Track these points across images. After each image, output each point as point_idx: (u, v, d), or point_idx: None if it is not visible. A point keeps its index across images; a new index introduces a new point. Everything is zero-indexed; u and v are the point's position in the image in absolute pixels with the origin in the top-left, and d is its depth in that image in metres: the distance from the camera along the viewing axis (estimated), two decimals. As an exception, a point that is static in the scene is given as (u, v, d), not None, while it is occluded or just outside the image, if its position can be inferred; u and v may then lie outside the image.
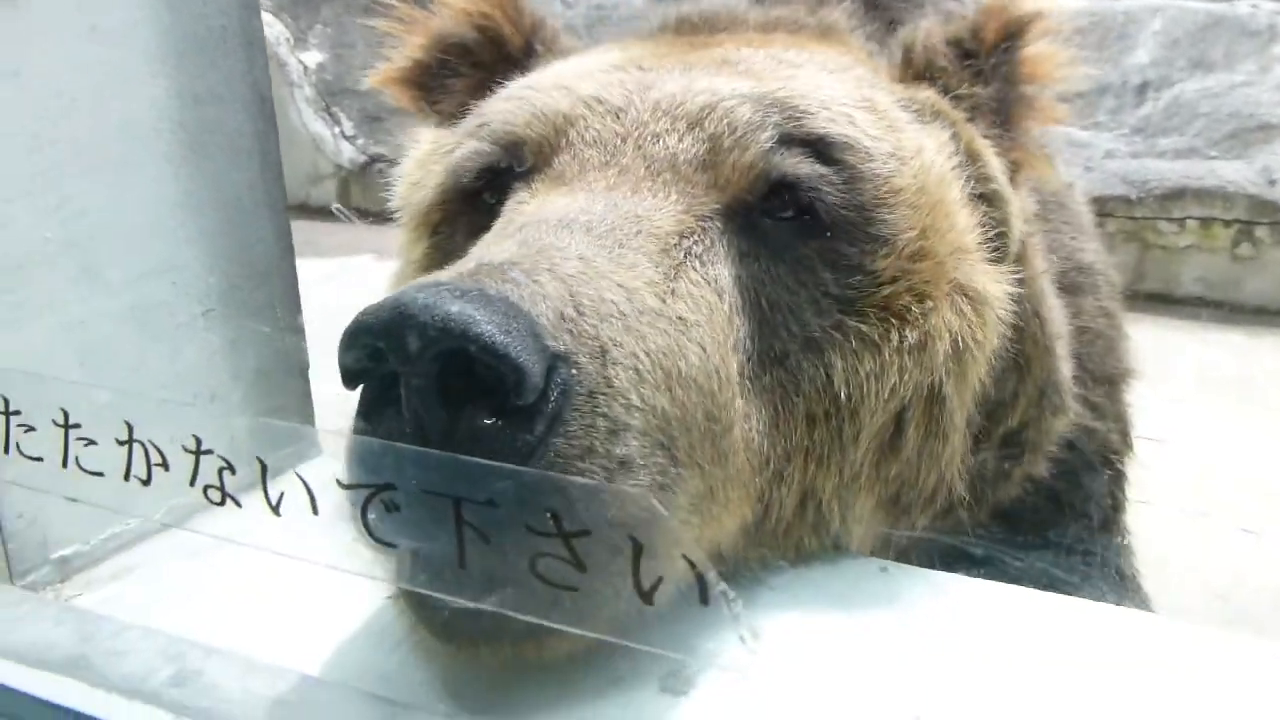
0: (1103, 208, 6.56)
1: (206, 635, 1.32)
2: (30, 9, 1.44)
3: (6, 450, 1.07)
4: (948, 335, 1.60)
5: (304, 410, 2.05)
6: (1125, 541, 2.57)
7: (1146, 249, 7.29)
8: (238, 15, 1.76)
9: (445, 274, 1.21)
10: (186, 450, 0.99)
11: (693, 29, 2.09)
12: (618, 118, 1.60)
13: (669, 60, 1.79)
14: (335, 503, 1.12)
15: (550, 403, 1.10)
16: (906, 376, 1.56)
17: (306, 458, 1.99)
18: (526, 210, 1.47)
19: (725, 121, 1.55)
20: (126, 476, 0.99)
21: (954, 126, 1.83)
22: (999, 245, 1.77)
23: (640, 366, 1.22)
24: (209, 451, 0.99)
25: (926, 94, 1.87)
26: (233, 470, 0.98)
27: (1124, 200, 7.10)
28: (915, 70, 1.95)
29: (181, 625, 1.34)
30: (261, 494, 0.95)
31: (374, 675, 1.25)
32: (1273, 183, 7.00)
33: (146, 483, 0.99)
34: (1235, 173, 7.11)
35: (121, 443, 1.01)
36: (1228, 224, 7.14)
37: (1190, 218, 7.21)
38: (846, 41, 2.10)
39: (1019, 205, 1.92)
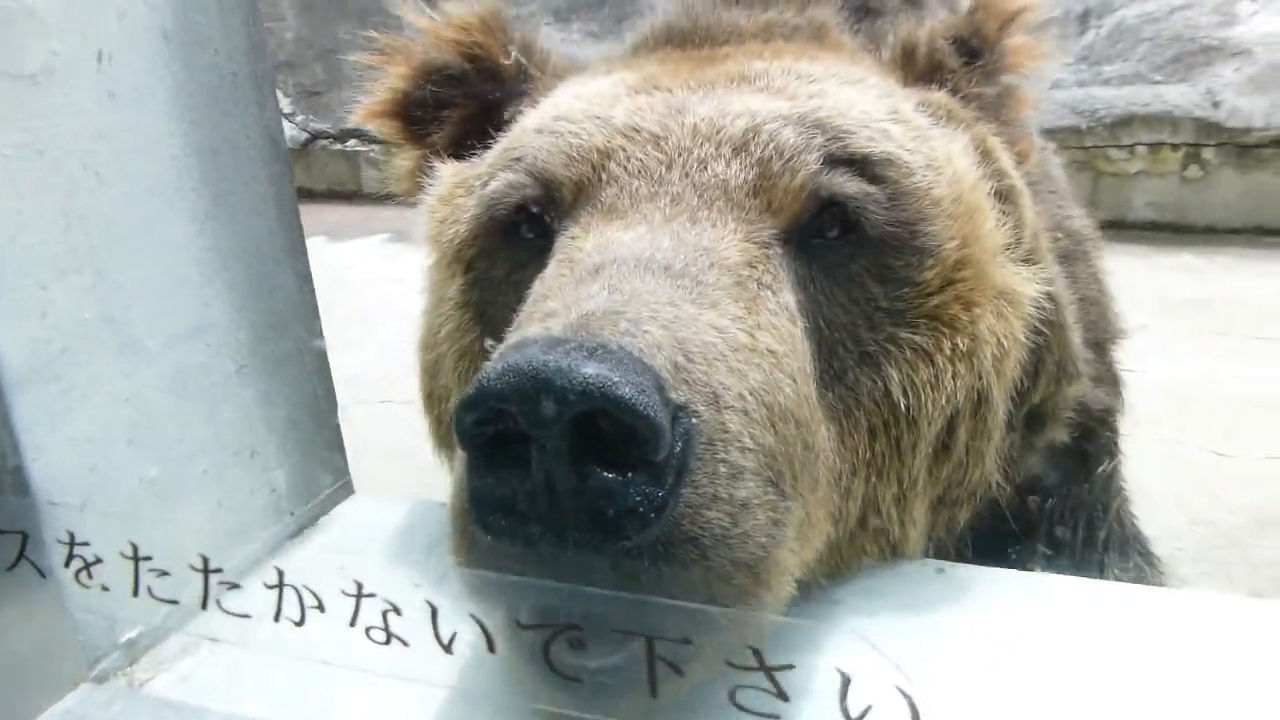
0: (1053, 139, 6.63)
1: (305, 716, 1.31)
2: (50, 84, 1.37)
3: (136, 593, 1.05)
4: (993, 339, 1.63)
5: (336, 448, 2.03)
6: (1123, 491, 2.67)
7: (1098, 177, 7.42)
8: (246, 59, 1.70)
9: (554, 325, 1.19)
10: (346, 594, 0.97)
11: (692, 41, 2.06)
12: (658, 145, 1.58)
13: (686, 78, 1.78)
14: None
15: (676, 455, 1.10)
16: (960, 382, 1.59)
17: (342, 498, 1.99)
18: (587, 247, 1.46)
19: (772, 145, 1.54)
20: (277, 618, 0.97)
21: (968, 128, 1.85)
22: (1016, 237, 1.80)
23: (748, 407, 1.24)
24: (371, 595, 0.97)
25: (938, 96, 1.89)
26: (398, 612, 0.96)
27: (1074, 130, 7.20)
28: (920, 71, 1.97)
29: (274, 706, 1.33)
30: (432, 634, 0.94)
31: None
32: (1217, 104, 7.13)
33: (300, 624, 0.98)
34: (1180, 96, 7.22)
35: (270, 587, 0.99)
36: (1175, 148, 7.28)
37: (1139, 144, 7.33)
38: (842, 43, 2.10)
39: (1029, 196, 1.96)
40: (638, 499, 1.07)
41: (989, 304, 1.63)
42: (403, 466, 4.08)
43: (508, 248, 1.68)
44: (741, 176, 1.53)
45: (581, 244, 1.49)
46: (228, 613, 1.02)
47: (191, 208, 1.62)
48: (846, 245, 1.57)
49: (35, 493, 1.37)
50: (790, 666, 0.86)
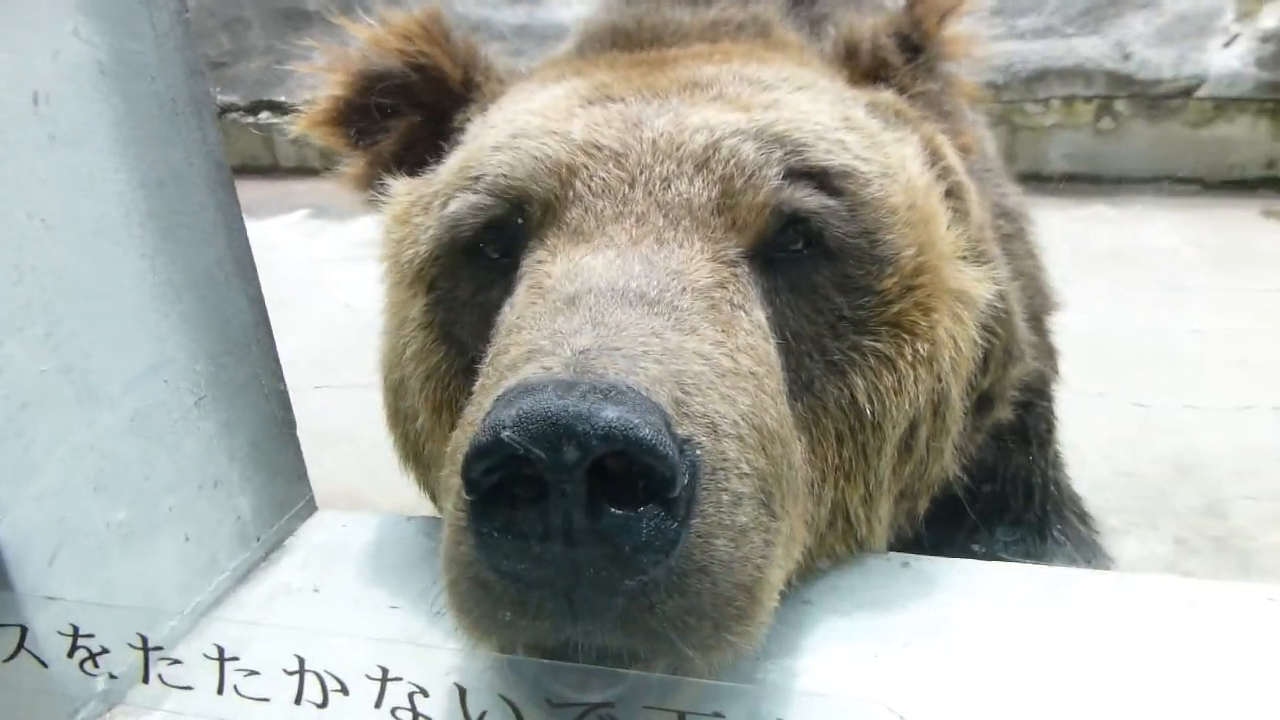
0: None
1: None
2: (-12, 133, 1.32)
3: (146, 679, 1.04)
4: (951, 342, 1.68)
5: (298, 467, 2.01)
6: (1059, 456, 2.77)
7: (1015, 131, 7.57)
8: (185, 84, 1.65)
9: (553, 364, 1.19)
10: (370, 678, 0.97)
11: (638, 43, 2.05)
12: (619, 163, 1.58)
13: (638, 86, 1.77)
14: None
15: (685, 488, 1.12)
16: (921, 386, 1.64)
17: (306, 516, 1.98)
18: (556, 273, 1.45)
19: (733, 162, 1.55)
20: (298, 701, 0.97)
21: (916, 128, 1.88)
22: (965, 235, 1.84)
23: (742, 433, 1.27)
24: (398, 679, 0.97)
25: (886, 96, 1.92)
26: (425, 694, 0.96)
27: (992, 86, 7.30)
28: (864, 69, 1.99)
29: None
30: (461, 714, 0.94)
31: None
32: (1127, 57, 7.31)
33: (322, 706, 0.97)
34: (1092, 49, 7.39)
35: (290, 673, 0.99)
36: (1088, 100, 7.46)
37: (1054, 97, 7.49)
38: (787, 40, 2.11)
39: (975, 190, 2.01)
40: (652, 533, 1.09)
41: (946, 308, 1.67)
42: (343, 452, 4.04)
43: (471, 267, 1.66)
44: (705, 195, 1.53)
45: (550, 269, 1.48)
46: (245, 697, 1.01)
47: (140, 244, 1.57)
48: (809, 258, 1.59)
49: (3, 549, 1.34)
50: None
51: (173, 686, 1.07)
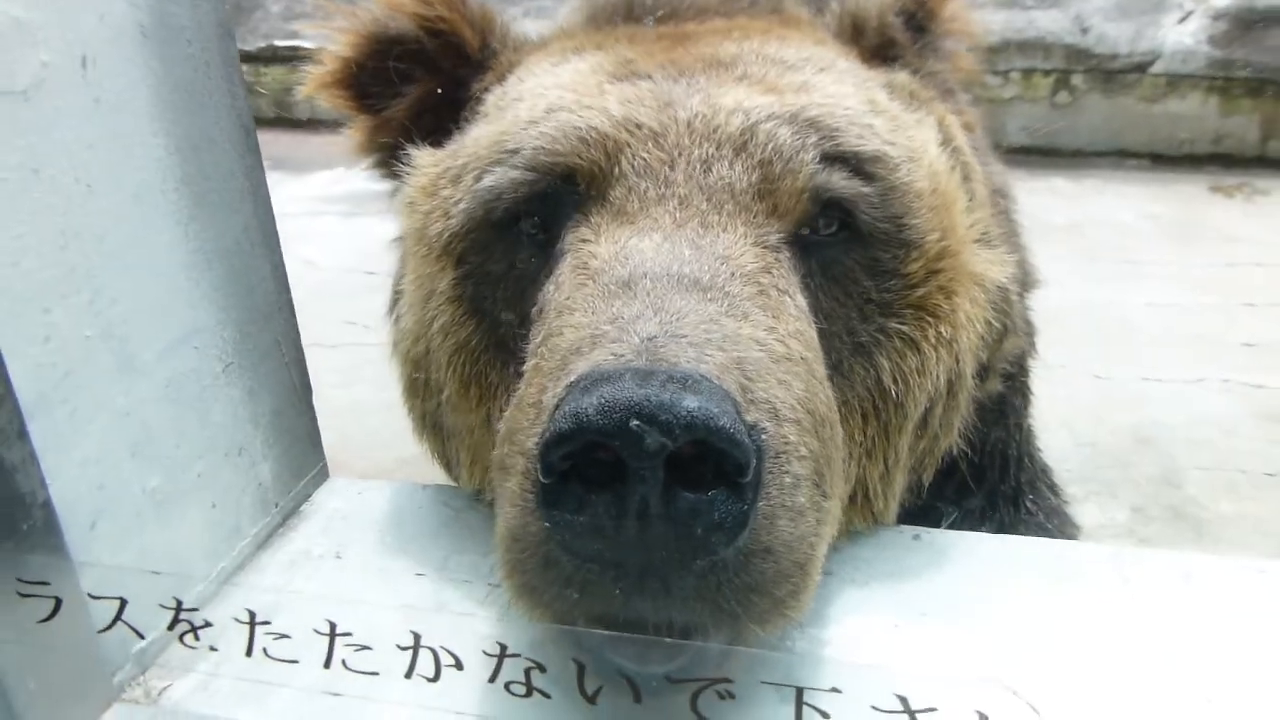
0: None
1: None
2: (40, 97, 1.29)
3: (250, 653, 1.05)
4: (970, 325, 1.73)
5: (315, 435, 2.02)
6: (1032, 429, 2.86)
7: (974, 103, 7.65)
8: (218, 46, 1.62)
9: (623, 350, 1.22)
10: (488, 654, 0.99)
11: (653, 13, 2.04)
12: (658, 143, 1.59)
13: (662, 62, 1.77)
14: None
15: (754, 471, 1.16)
16: (942, 367, 1.69)
17: (320, 483, 1.99)
18: (604, 254, 1.46)
19: (771, 146, 1.57)
20: (409, 675, 0.99)
21: (930, 109, 1.92)
22: (977, 215, 1.89)
23: (799, 417, 1.31)
24: (515, 655, 1.00)
25: (901, 77, 1.95)
26: (542, 670, 0.99)
27: (955, 57, 7.38)
28: (871, 47, 2.01)
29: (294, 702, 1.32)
30: (577, 689, 0.97)
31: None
32: (1085, 31, 7.43)
33: (434, 679, 0.99)
34: (1052, 22, 7.49)
35: (404, 648, 1.00)
36: (1047, 74, 7.58)
37: (1013, 69, 7.60)
38: (799, 17, 2.13)
39: (980, 170, 2.06)
40: (723, 516, 1.13)
41: (966, 291, 1.72)
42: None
43: (504, 242, 1.66)
44: (746, 179, 1.55)
45: (596, 249, 1.49)
46: (352, 669, 1.03)
47: (175, 210, 1.56)
48: (840, 242, 1.62)
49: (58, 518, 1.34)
50: (933, 709, 0.94)
51: (276, 659, 1.08)
